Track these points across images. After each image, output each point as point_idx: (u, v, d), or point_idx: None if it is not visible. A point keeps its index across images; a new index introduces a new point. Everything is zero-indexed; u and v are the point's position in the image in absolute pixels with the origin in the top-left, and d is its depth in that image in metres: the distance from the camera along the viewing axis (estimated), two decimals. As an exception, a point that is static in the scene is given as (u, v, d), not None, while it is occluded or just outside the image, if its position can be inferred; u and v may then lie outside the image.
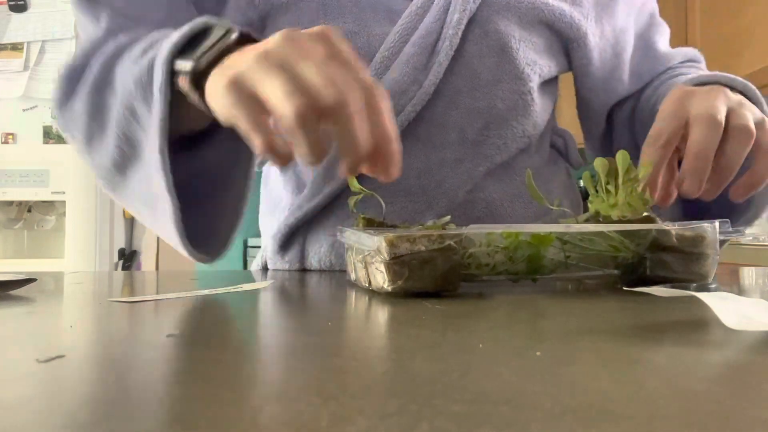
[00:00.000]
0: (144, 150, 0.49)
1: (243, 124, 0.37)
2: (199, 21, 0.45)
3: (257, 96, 0.37)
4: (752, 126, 0.48)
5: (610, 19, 0.71)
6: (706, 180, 0.47)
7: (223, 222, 0.57)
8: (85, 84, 0.53)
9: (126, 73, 0.49)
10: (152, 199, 0.50)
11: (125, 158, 0.51)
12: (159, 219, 0.51)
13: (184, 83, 0.43)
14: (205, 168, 0.54)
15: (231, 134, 0.53)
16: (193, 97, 0.43)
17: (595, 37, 0.69)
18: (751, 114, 0.49)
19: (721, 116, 0.47)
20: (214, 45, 0.42)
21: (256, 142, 0.37)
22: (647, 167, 0.43)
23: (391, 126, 0.38)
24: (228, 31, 0.43)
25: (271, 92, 0.36)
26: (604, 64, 0.71)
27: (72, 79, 0.54)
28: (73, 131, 0.55)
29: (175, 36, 0.44)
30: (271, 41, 0.39)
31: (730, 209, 0.59)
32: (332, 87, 0.35)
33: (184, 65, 0.43)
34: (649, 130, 0.52)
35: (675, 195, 0.51)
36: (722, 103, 0.48)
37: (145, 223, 0.57)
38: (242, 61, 0.38)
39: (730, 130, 0.48)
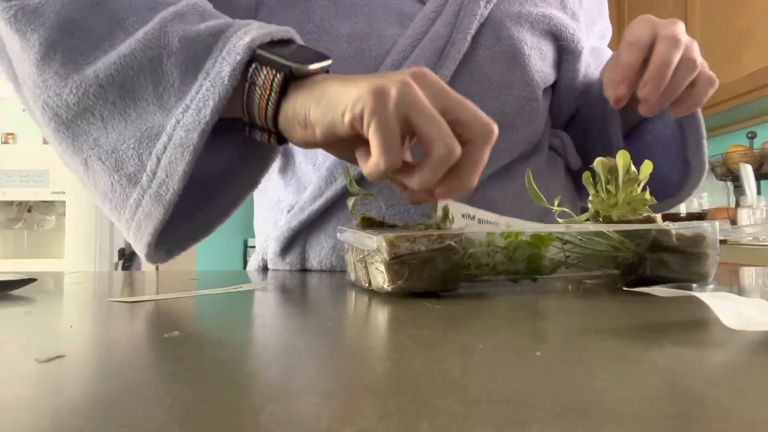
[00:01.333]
0: (144, 111, 0.45)
1: (380, 135, 0.37)
2: (286, 29, 0.45)
3: (405, 117, 0.38)
4: (699, 59, 0.56)
5: (590, 37, 0.77)
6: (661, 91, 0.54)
7: (196, 229, 0.53)
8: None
9: (164, 21, 0.45)
10: (120, 162, 0.45)
11: (104, 102, 0.45)
12: (117, 188, 0.47)
13: (268, 77, 0.42)
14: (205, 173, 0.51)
15: (238, 147, 0.52)
16: (263, 94, 0.42)
17: (586, 52, 0.72)
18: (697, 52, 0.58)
19: (683, 42, 0.54)
20: (313, 59, 0.43)
21: (383, 158, 0.37)
22: (648, 167, 0.43)
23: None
24: (322, 56, 0.44)
25: (429, 125, 0.38)
26: (585, 78, 0.75)
27: None
28: (26, 28, 0.45)
29: (264, 29, 0.43)
30: (397, 74, 0.39)
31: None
32: (485, 125, 0.39)
33: (281, 61, 0.42)
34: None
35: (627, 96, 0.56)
36: (683, 34, 0.56)
37: (82, 178, 0.49)
38: (377, 79, 0.39)
39: (682, 57, 0.55)
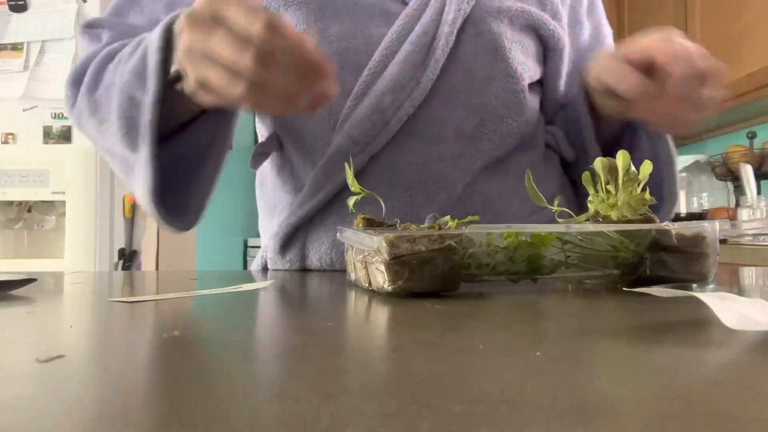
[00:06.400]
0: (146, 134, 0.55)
1: (216, 79, 0.44)
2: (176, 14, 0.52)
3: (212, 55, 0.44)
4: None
5: (577, 38, 0.76)
6: None
7: (196, 197, 0.63)
8: (84, 85, 0.62)
9: (122, 68, 0.57)
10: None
11: (133, 144, 0.57)
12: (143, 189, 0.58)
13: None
14: (186, 149, 0.61)
15: (211, 117, 0.61)
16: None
17: (568, 51, 0.73)
18: None
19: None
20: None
21: (233, 90, 0.44)
22: (648, 167, 0.43)
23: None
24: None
25: (223, 49, 0.43)
26: (568, 78, 0.75)
27: (75, 82, 0.63)
28: (84, 127, 0.64)
29: (159, 28, 0.53)
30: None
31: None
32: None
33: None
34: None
35: None
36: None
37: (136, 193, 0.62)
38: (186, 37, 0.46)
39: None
